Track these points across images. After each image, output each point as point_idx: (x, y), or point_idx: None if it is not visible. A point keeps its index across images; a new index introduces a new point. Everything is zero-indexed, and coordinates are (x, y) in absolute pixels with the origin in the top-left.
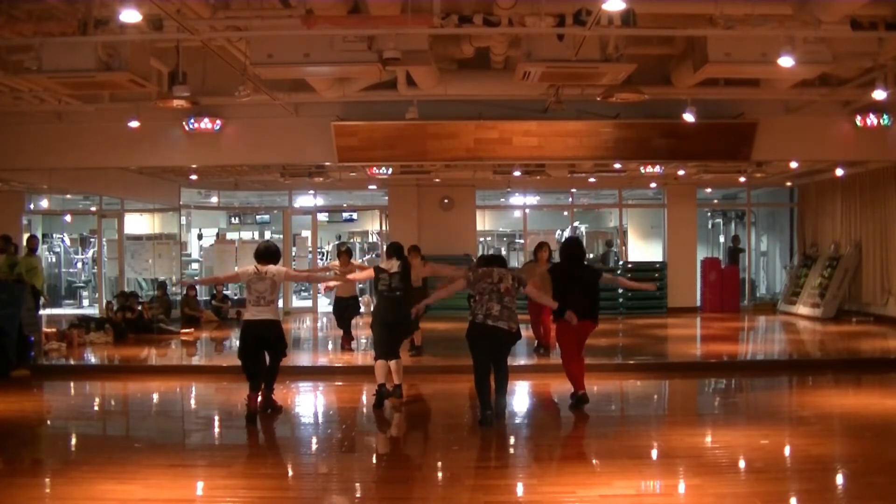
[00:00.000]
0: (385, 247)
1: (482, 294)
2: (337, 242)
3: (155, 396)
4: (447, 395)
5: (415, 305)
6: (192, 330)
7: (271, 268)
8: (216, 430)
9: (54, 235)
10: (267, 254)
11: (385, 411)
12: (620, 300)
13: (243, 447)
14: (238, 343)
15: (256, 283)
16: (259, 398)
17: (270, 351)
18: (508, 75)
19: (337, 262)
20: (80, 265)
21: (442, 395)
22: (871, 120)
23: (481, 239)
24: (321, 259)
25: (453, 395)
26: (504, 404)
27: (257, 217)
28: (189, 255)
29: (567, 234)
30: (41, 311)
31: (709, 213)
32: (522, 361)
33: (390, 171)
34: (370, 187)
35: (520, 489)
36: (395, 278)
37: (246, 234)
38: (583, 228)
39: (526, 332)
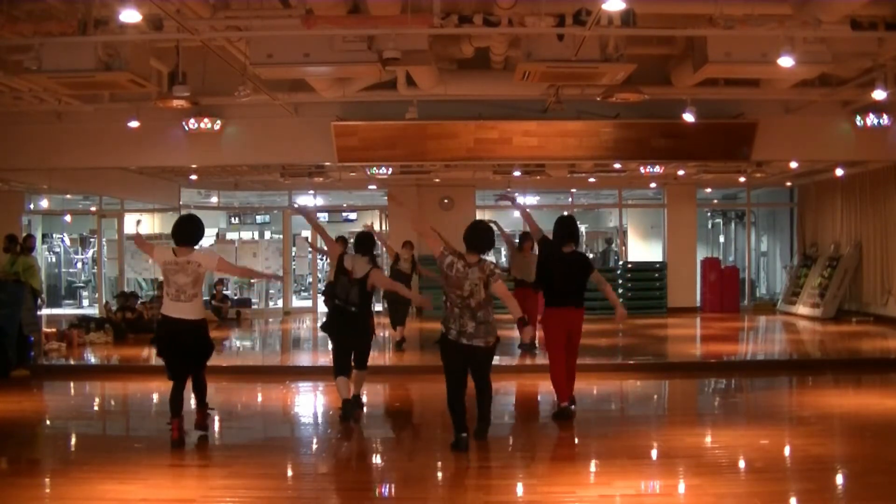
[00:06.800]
0: (356, 239)
1: (453, 305)
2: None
3: (155, 396)
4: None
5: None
6: None
7: (195, 255)
8: (216, 430)
9: (54, 235)
10: (185, 232)
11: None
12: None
13: (243, 447)
14: (156, 345)
15: (175, 273)
16: (196, 416)
17: (190, 359)
18: (508, 75)
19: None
20: (79, 265)
21: (440, 395)
22: (871, 120)
23: None
24: (321, 258)
25: None
26: (488, 422)
27: (257, 217)
28: None
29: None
30: (39, 311)
31: (709, 213)
32: (516, 362)
33: (391, 170)
34: (370, 187)
35: (520, 489)
36: (354, 290)
37: (246, 234)
38: (583, 228)
39: (510, 331)
